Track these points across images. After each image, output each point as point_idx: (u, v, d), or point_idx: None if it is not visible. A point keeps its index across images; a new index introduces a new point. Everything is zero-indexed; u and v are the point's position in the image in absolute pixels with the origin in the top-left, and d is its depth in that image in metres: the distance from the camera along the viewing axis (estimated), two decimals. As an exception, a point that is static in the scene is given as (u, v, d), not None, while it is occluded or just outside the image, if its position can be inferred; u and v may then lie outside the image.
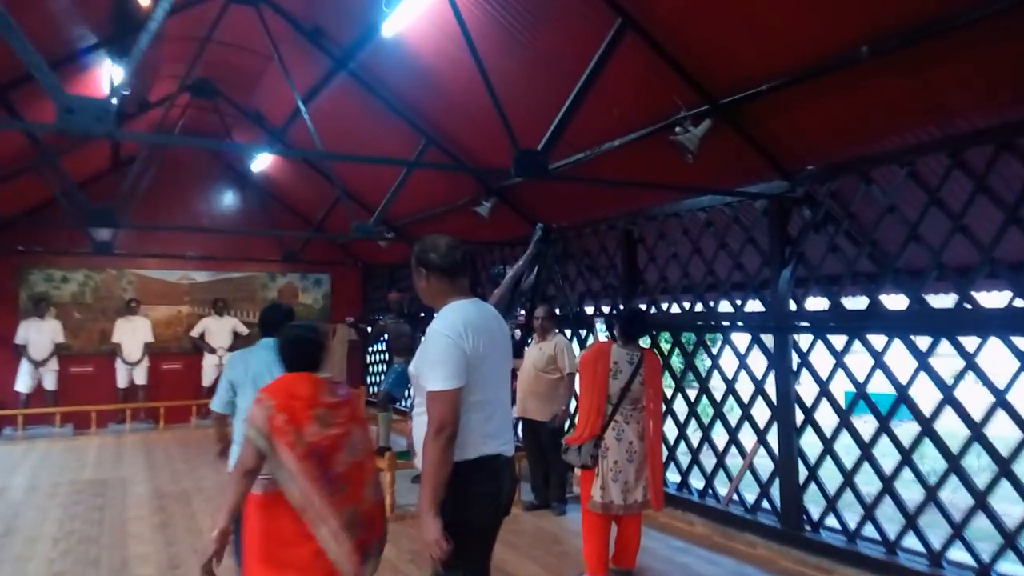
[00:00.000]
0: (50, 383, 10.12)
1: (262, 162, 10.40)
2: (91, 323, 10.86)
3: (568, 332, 7.14)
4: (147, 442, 9.61)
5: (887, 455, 4.50)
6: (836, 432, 4.81)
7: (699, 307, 5.99)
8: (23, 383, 9.94)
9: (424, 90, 6.79)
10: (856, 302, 4.93)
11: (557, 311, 6.95)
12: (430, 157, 7.31)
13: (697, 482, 5.96)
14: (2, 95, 6.07)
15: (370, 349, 12.72)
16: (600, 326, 7.11)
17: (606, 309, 6.94)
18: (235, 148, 11.81)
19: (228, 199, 11.85)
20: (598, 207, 6.82)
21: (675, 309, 6.27)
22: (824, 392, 4.85)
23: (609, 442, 4.48)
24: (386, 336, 8.63)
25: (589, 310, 7.23)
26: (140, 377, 10.66)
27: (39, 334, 10.05)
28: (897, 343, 4.46)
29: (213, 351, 11.10)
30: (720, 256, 5.69)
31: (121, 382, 10.60)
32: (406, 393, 8.83)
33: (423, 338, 2.69)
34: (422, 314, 8.10)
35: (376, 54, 6.56)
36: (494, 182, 7.33)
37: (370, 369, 12.86)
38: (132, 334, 10.64)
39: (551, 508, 6.16)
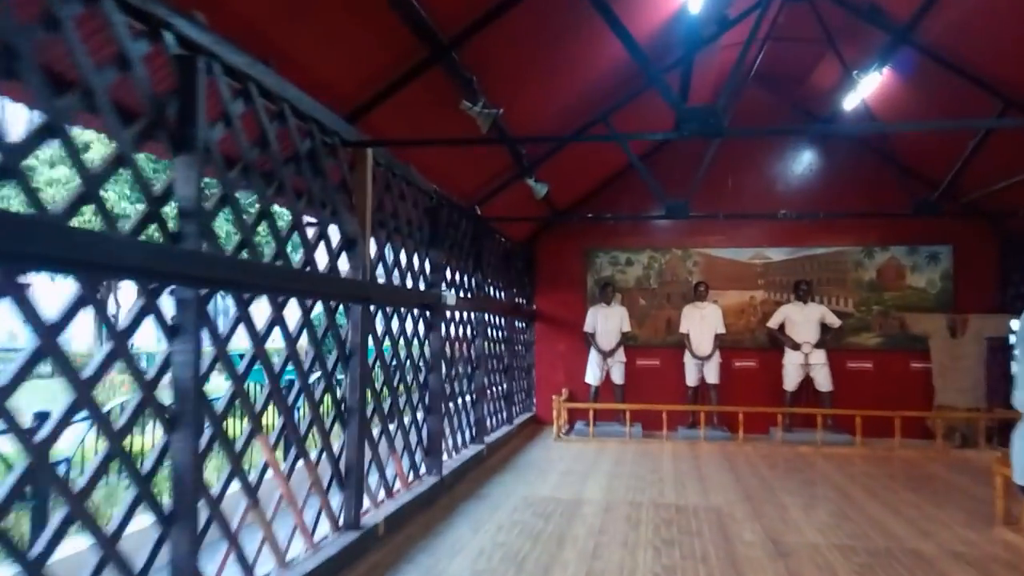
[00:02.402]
0: (617, 376, 9.04)
1: (860, 95, 7.56)
2: (656, 310, 9.54)
3: None
4: (726, 455, 7.62)
5: None
6: None
7: None
8: (592, 375, 9.09)
9: None
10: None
11: None
12: None
13: None
14: None
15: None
16: None
17: None
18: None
19: (810, 155, 9.30)
20: None
21: None
22: None
23: None
24: None
25: None
26: (711, 375, 8.83)
27: (606, 321, 9.08)
28: None
29: (797, 347, 8.65)
30: None
31: (690, 379, 8.96)
32: None
33: None
34: None
35: None
36: None
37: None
38: (701, 324, 8.91)
39: None
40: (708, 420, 8.59)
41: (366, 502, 4.30)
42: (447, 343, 6.03)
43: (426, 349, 5.53)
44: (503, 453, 7.39)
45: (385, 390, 4.74)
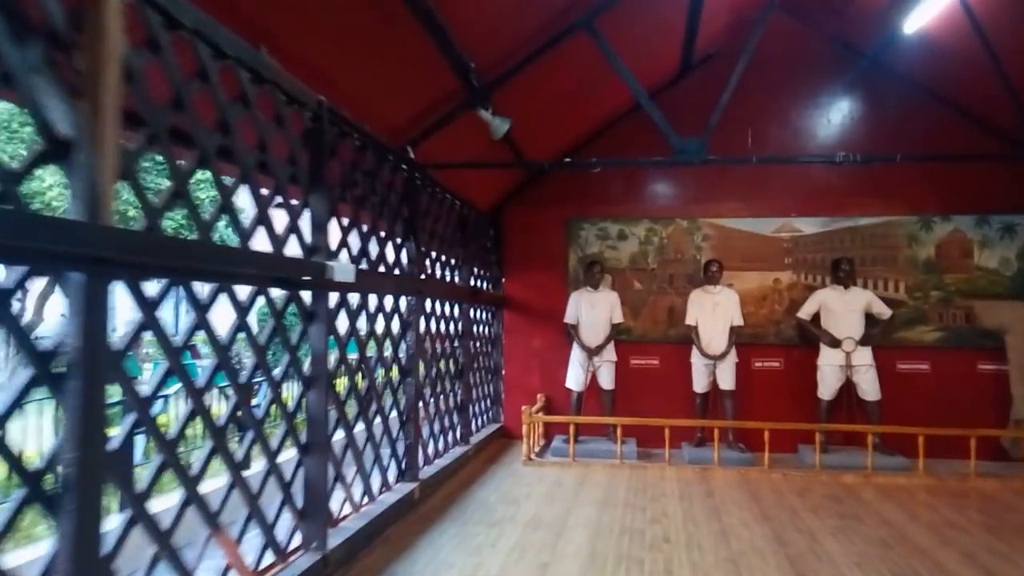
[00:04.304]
0: (606, 380, 7.01)
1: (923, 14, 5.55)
2: (656, 296, 7.51)
3: None
4: (750, 490, 5.58)
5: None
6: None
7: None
8: (574, 378, 7.08)
9: None
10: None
11: None
12: None
13: None
14: None
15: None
16: None
17: None
18: None
19: (847, 105, 7.26)
20: None
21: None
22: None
23: None
24: None
25: None
26: (725, 379, 6.82)
27: (592, 310, 7.06)
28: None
29: (836, 343, 6.64)
30: None
31: (698, 384, 6.95)
32: None
33: None
34: None
35: None
36: None
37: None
38: (712, 313, 6.89)
39: None
40: (722, 437, 6.59)
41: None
42: (352, 339, 4.00)
43: (303, 353, 3.50)
44: (448, 489, 5.36)
45: (197, 428, 2.73)
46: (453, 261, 6.23)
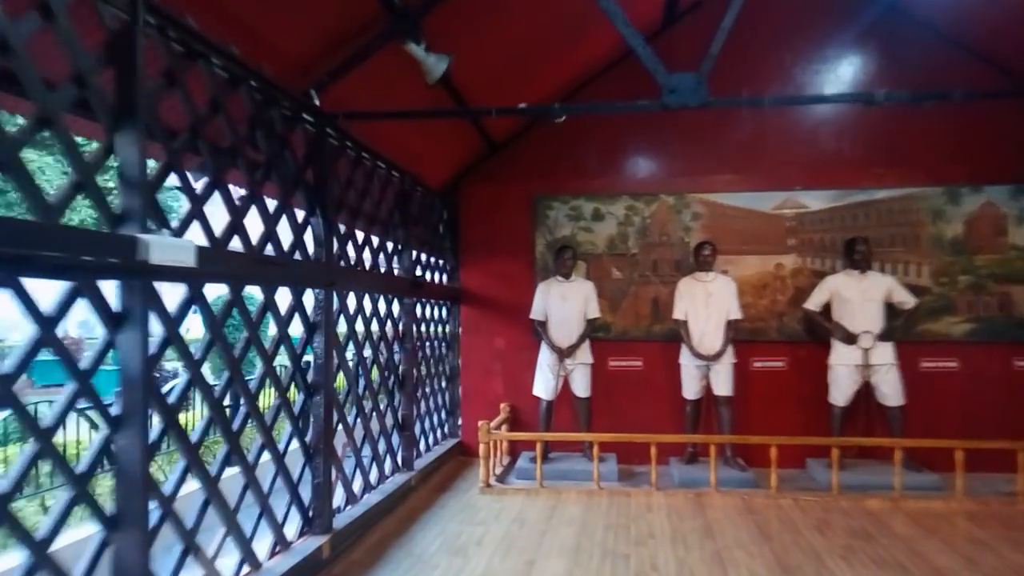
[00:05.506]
0: (580, 386, 5.90)
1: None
2: (638, 286, 6.41)
3: None
4: (758, 524, 4.42)
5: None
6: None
7: None
8: (542, 384, 5.96)
9: None
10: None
11: None
12: None
13: None
14: None
15: None
16: None
17: None
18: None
19: (859, 59, 6.17)
20: None
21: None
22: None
23: None
24: None
25: None
26: (721, 383, 5.73)
27: (563, 303, 5.93)
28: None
29: (851, 339, 5.60)
30: None
31: (689, 390, 5.86)
32: None
33: None
34: None
35: None
36: None
37: None
38: (705, 305, 5.79)
39: None
40: (719, 452, 5.49)
41: None
42: (213, 350, 2.83)
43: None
44: (377, 536, 4.19)
45: None
46: (390, 246, 5.05)
